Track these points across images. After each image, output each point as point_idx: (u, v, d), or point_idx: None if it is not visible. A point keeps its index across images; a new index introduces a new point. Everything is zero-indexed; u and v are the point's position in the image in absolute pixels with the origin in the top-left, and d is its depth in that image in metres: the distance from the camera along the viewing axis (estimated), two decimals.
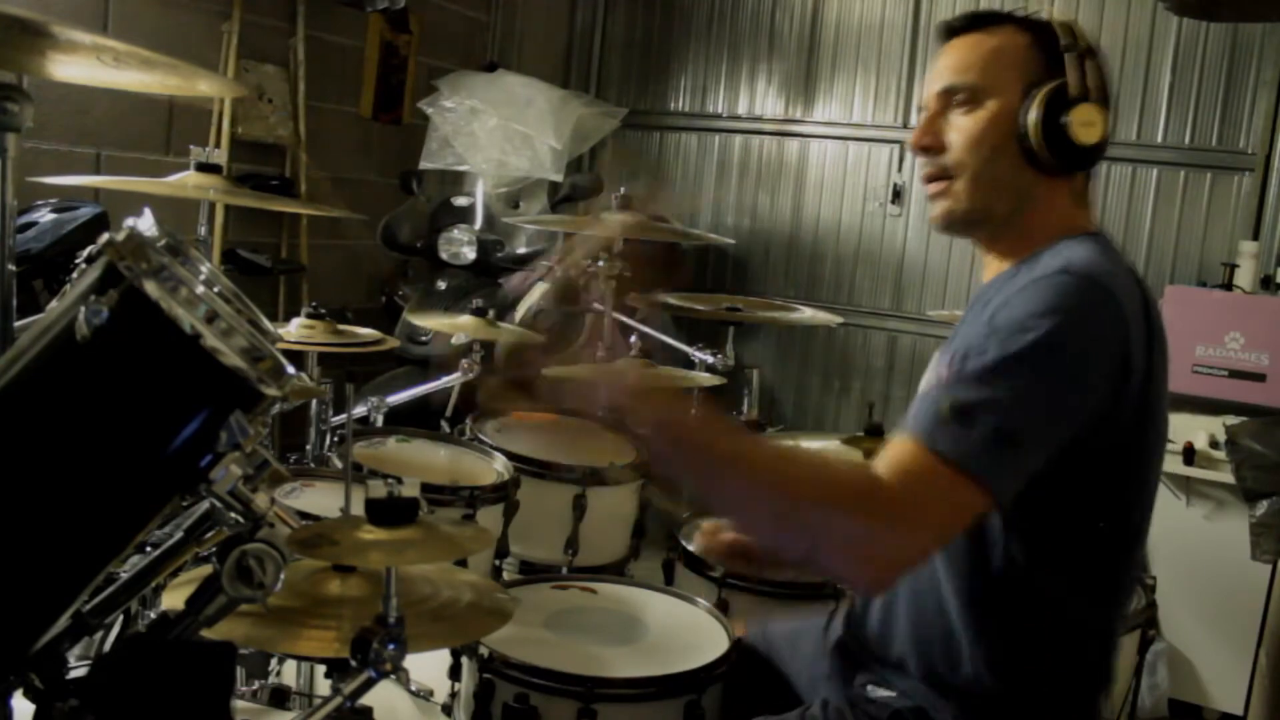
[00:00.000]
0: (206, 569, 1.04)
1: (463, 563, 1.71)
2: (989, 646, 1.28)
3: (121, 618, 1.24)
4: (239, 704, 1.45)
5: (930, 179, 1.38)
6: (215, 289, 1.02)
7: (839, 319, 3.02)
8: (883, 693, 1.38)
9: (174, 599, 1.20)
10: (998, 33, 1.36)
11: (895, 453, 1.17)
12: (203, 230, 2.24)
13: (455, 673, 1.57)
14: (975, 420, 1.14)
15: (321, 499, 1.83)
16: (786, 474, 1.17)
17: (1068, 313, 1.18)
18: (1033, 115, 1.30)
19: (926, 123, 1.37)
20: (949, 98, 1.36)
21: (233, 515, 1.01)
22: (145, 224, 1.00)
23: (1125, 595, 1.34)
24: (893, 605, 1.39)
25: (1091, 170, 1.39)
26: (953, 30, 1.39)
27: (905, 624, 1.36)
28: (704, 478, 1.22)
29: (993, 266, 1.42)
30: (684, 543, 1.95)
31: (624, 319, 2.93)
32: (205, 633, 1.06)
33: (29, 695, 1.00)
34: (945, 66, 1.37)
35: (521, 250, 4.12)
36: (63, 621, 1.02)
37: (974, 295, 1.46)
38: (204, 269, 1.03)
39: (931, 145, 1.36)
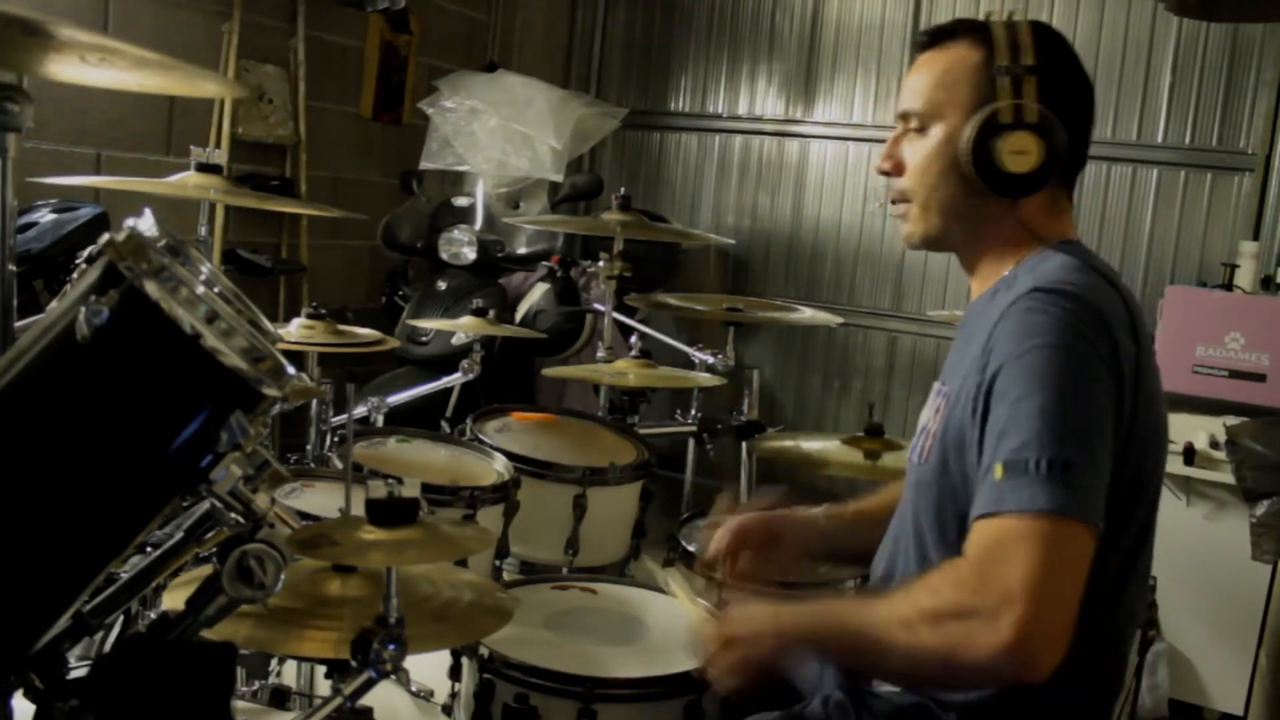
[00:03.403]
0: (207, 569, 1.05)
1: (463, 563, 1.71)
2: None
3: (122, 618, 1.24)
4: (239, 704, 1.45)
5: (893, 201, 1.42)
6: (215, 289, 1.02)
7: (839, 319, 3.02)
8: (888, 688, 1.38)
9: (174, 599, 1.20)
10: (954, 49, 1.36)
11: (973, 541, 1.16)
12: (203, 230, 2.24)
13: (455, 673, 1.57)
14: (1026, 466, 1.13)
15: (321, 499, 1.82)
16: (889, 635, 1.16)
17: (1054, 331, 1.18)
18: (964, 143, 1.31)
19: (889, 146, 1.41)
20: (907, 121, 1.39)
21: (233, 515, 1.01)
22: (145, 224, 1.00)
23: (1135, 599, 1.33)
24: None
25: (1071, 179, 1.39)
26: (919, 45, 1.41)
27: None
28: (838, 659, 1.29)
29: (975, 286, 1.43)
30: (684, 543, 1.95)
31: (624, 319, 2.93)
32: (206, 633, 1.06)
33: (29, 695, 1.00)
34: (906, 87, 1.40)
35: (521, 250, 4.12)
36: (63, 621, 1.02)
37: (964, 315, 1.48)
38: (204, 269, 1.04)
39: (890, 170, 1.41)
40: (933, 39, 1.38)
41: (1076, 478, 1.13)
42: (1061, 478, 1.12)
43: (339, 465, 2.05)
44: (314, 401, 2.23)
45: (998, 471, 1.15)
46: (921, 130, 1.37)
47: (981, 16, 1.39)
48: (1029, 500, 1.12)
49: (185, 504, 1.05)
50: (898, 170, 1.40)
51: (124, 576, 1.09)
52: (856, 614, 1.22)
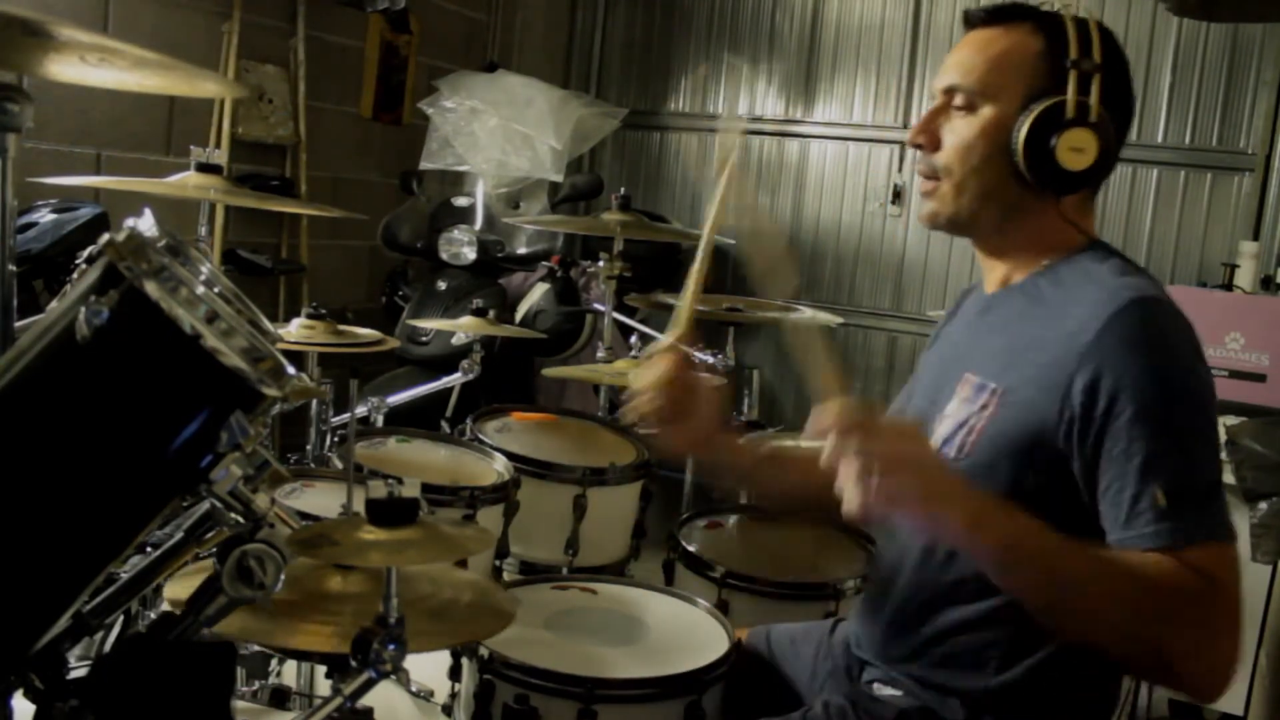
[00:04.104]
0: (208, 565, 1.04)
1: (463, 563, 1.71)
2: (1016, 654, 1.27)
3: (121, 618, 1.24)
4: (239, 704, 1.45)
5: (923, 175, 1.37)
6: (215, 289, 1.02)
7: (839, 319, 3.02)
8: (889, 691, 1.37)
9: (176, 590, 1.20)
10: (1013, 32, 1.32)
11: (1168, 565, 1.13)
12: (203, 230, 2.25)
13: (455, 673, 1.57)
14: (1194, 493, 1.15)
15: (321, 499, 1.82)
16: (1122, 597, 1.13)
17: (1176, 349, 1.19)
18: (1022, 132, 1.28)
19: (926, 118, 1.36)
20: (951, 96, 1.34)
21: (233, 516, 1.01)
22: (145, 224, 1.00)
23: None
24: (909, 605, 1.37)
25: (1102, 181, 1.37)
26: (972, 21, 1.36)
27: (922, 624, 1.34)
28: (1033, 589, 1.17)
29: (995, 273, 1.40)
30: (684, 543, 1.95)
31: (624, 319, 2.93)
32: None
33: (29, 695, 1.00)
34: (955, 62, 1.35)
35: (521, 250, 4.12)
36: (63, 622, 1.02)
37: (979, 303, 1.44)
38: (204, 269, 1.03)
39: (926, 144, 1.35)
40: (991, 17, 1.34)
41: (1223, 498, 1.17)
42: (1219, 502, 1.16)
43: (339, 465, 2.05)
44: (314, 401, 2.23)
45: (1160, 498, 1.14)
46: (968, 109, 1.32)
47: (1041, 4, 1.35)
48: (1217, 528, 1.15)
49: (185, 504, 1.05)
50: (933, 145, 1.35)
51: (124, 576, 1.09)
52: (1074, 556, 1.14)
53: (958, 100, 1.33)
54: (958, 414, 1.32)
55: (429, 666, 1.67)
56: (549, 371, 2.55)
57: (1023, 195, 1.31)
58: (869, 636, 1.44)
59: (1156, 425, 1.15)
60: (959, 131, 1.32)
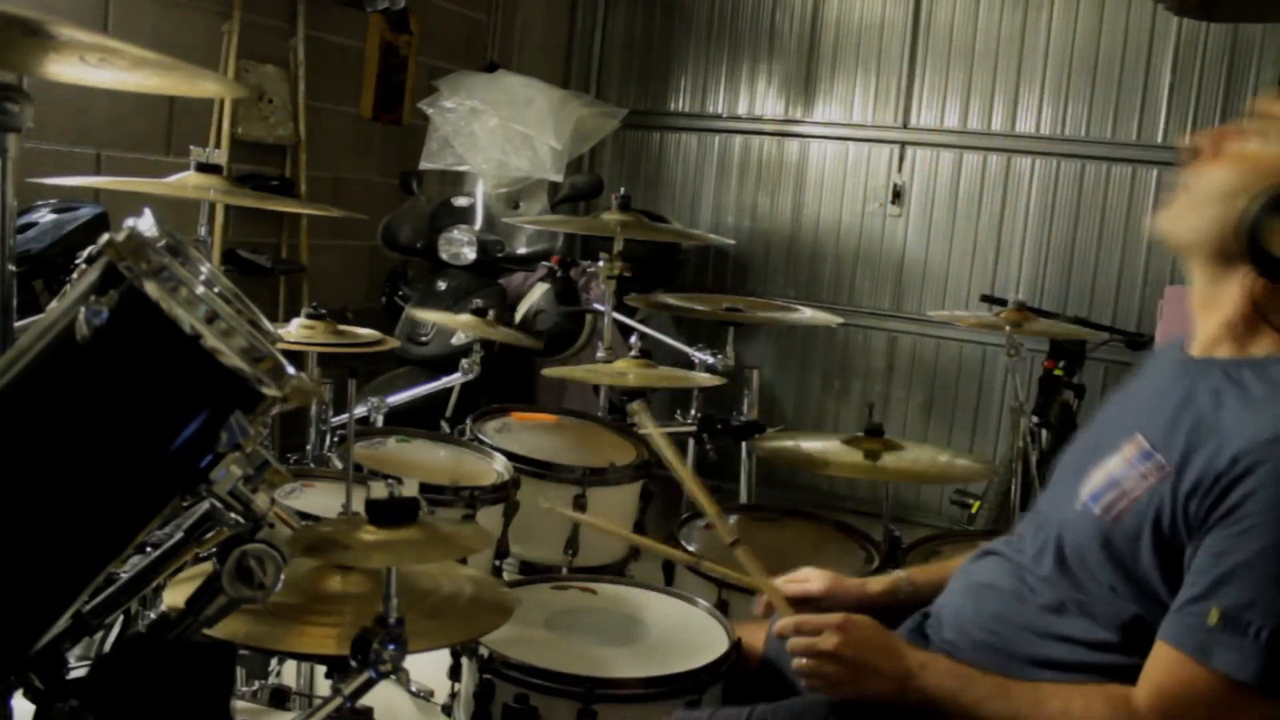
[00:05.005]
0: (207, 567, 1.05)
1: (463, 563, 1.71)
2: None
3: (121, 618, 1.25)
4: (239, 704, 1.45)
5: (1178, 181, 1.36)
6: (215, 289, 1.02)
7: (839, 319, 3.02)
8: None
9: (174, 597, 1.20)
10: None
11: (1161, 674, 1.14)
12: (203, 230, 2.25)
13: (455, 673, 1.57)
14: (1247, 628, 1.10)
15: (321, 499, 1.82)
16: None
17: None
18: (1249, 199, 1.23)
19: (1221, 128, 1.33)
20: (1252, 123, 1.31)
21: (233, 515, 1.01)
22: (145, 224, 1.00)
23: None
24: (1008, 627, 1.33)
25: None
26: None
27: (1016, 642, 1.31)
28: None
29: (1204, 331, 1.35)
30: (684, 543, 1.95)
31: (624, 319, 2.93)
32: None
33: (29, 695, 1.00)
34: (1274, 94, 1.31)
35: (521, 250, 4.12)
36: (63, 622, 1.02)
37: (1177, 362, 1.37)
38: (204, 269, 1.04)
39: (1205, 149, 1.34)
40: None
41: None
42: (1276, 650, 1.09)
43: (339, 465, 2.05)
44: (314, 401, 2.24)
45: (1213, 616, 1.11)
46: (1255, 142, 1.29)
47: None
48: (1238, 667, 1.10)
49: (185, 504, 1.05)
50: (1211, 154, 1.32)
51: (124, 576, 1.09)
52: (1018, 698, 1.20)
53: (1252, 127, 1.29)
54: (1115, 471, 1.27)
55: (429, 666, 1.67)
56: (549, 371, 2.55)
57: (1233, 258, 1.27)
58: (946, 629, 1.41)
59: (1257, 554, 1.10)
60: (1234, 157, 1.29)
